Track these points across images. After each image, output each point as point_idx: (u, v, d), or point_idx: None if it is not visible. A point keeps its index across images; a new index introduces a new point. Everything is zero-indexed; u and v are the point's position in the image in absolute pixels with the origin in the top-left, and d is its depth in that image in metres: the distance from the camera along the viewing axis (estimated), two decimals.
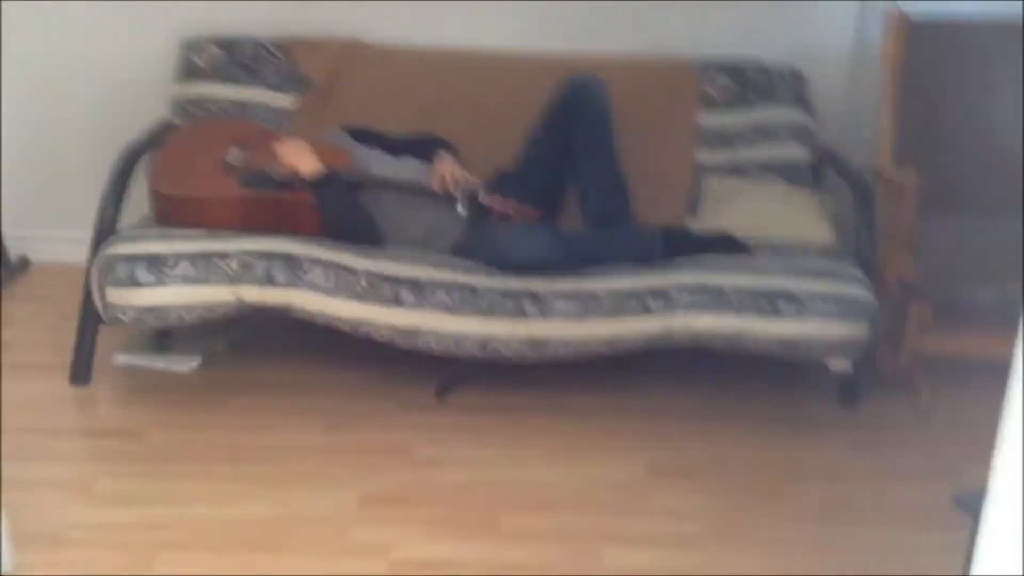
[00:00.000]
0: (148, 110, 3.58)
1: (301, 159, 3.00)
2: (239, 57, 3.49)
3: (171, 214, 3.01)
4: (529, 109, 3.37)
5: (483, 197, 3.07)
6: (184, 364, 3.10)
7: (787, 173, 3.45)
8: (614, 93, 3.23)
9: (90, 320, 2.92)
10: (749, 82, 3.55)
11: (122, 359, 3.10)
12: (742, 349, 2.83)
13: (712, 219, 3.25)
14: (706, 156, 3.51)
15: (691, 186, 3.47)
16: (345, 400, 2.97)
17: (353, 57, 3.54)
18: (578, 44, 3.65)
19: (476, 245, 3.03)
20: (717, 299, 2.79)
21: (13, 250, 3.79)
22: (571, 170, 3.18)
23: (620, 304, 2.79)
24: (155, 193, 3.03)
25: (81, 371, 2.98)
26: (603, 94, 3.12)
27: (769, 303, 2.77)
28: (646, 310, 2.79)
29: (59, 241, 3.77)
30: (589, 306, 2.79)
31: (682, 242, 3.04)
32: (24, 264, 3.82)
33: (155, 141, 3.23)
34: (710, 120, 3.53)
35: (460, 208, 3.09)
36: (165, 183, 3.03)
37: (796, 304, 2.77)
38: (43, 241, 3.84)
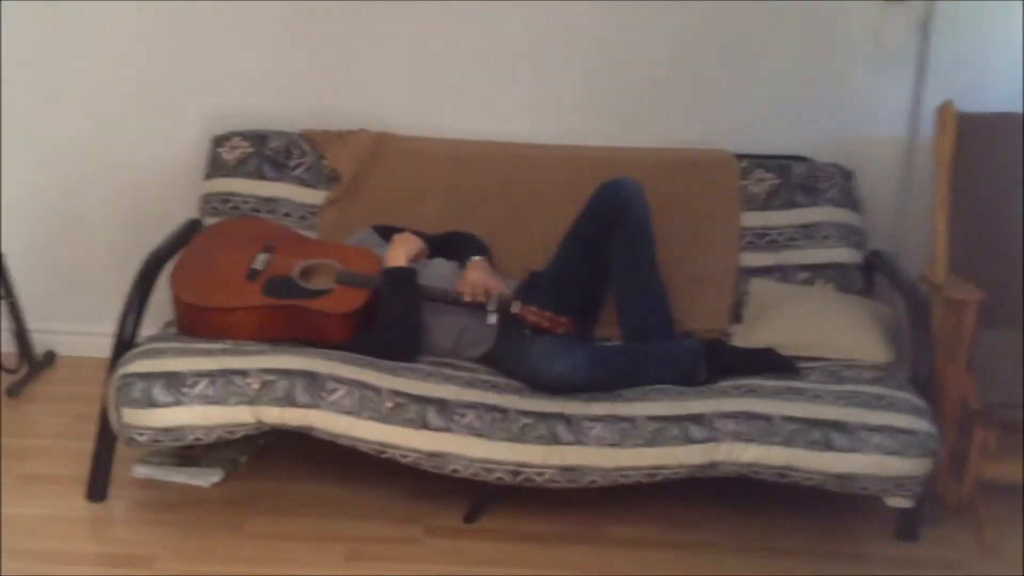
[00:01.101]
0: (176, 205, 3.52)
1: (396, 250, 2.96)
2: (268, 152, 3.39)
3: (194, 323, 2.91)
4: (562, 205, 3.26)
5: (516, 307, 2.94)
6: (205, 479, 2.97)
7: (836, 277, 3.30)
8: (651, 189, 3.11)
9: (107, 436, 2.81)
10: (794, 179, 3.40)
11: (141, 471, 2.99)
12: (792, 482, 2.66)
13: (757, 328, 3.09)
14: (749, 258, 3.36)
15: (734, 290, 3.32)
16: (369, 523, 2.82)
17: (382, 149, 3.44)
18: (614, 137, 3.53)
19: (507, 357, 2.90)
20: (764, 429, 2.62)
21: (40, 345, 3.70)
22: (607, 279, 3.04)
23: (660, 431, 2.64)
24: (177, 301, 2.92)
25: (97, 487, 2.86)
26: (641, 201, 2.99)
27: (821, 435, 2.60)
28: (688, 439, 2.63)
29: (85, 335, 3.68)
30: (627, 433, 2.64)
31: (725, 359, 2.89)
32: (50, 358, 3.73)
33: (179, 245, 3.13)
34: (753, 219, 3.39)
35: (491, 318, 2.95)
36: (188, 291, 2.92)
37: (850, 437, 2.60)
38: (69, 335, 3.76)
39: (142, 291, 2.92)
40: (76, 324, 3.75)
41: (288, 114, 3.52)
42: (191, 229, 3.26)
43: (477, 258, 3.06)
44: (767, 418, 2.64)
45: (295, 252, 3.08)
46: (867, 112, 3.54)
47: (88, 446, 2.86)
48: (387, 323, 2.89)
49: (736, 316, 3.27)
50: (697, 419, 2.65)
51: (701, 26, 3.48)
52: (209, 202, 3.37)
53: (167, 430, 2.67)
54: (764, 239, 3.37)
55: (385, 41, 3.49)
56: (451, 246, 3.19)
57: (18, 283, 3.62)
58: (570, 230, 3.09)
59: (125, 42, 3.51)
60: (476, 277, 2.97)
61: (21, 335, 3.61)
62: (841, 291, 3.27)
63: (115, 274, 3.29)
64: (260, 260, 3.02)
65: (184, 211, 3.45)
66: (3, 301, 3.58)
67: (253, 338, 2.89)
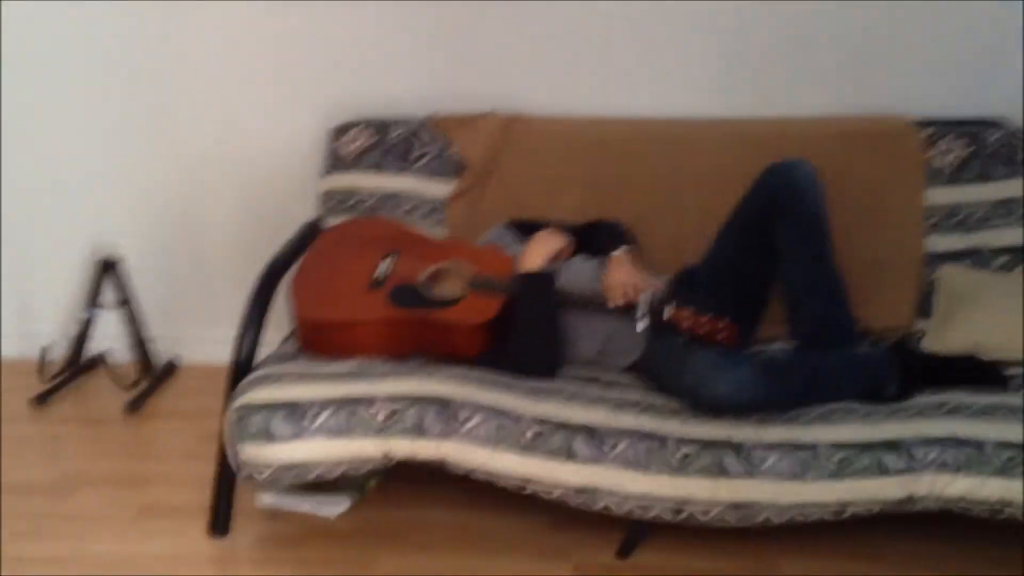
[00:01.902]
0: (296, 202, 3.28)
1: (532, 253, 2.66)
2: (390, 142, 3.10)
3: (315, 338, 2.66)
4: (720, 188, 2.91)
5: (669, 312, 2.58)
6: (332, 507, 2.72)
7: None
8: (820, 165, 2.71)
9: (228, 471, 2.57)
10: (988, 147, 2.94)
11: (266, 500, 2.76)
12: (1010, 518, 2.25)
13: (950, 326, 2.67)
14: (936, 241, 2.92)
15: (919, 280, 2.88)
16: (511, 558, 2.53)
17: (513, 133, 3.10)
18: (766, 107, 3.12)
19: (662, 372, 2.55)
20: (974, 457, 2.22)
21: (161, 353, 3.52)
22: (774, 274, 2.66)
23: (847, 461, 2.26)
24: (297, 315, 2.66)
25: (220, 520, 2.64)
26: (815, 185, 2.59)
27: None
28: (882, 470, 2.25)
29: (207, 341, 3.48)
30: (807, 463, 2.27)
31: (918, 369, 2.48)
32: (171, 369, 3.54)
33: (297, 252, 2.87)
34: (940, 196, 2.94)
35: (640, 324, 2.60)
36: (307, 304, 2.66)
37: None
38: (191, 342, 3.56)
39: (260, 307, 2.67)
40: (197, 329, 3.56)
41: (410, 99, 3.22)
42: (309, 233, 2.99)
43: (619, 252, 2.71)
44: (978, 444, 2.23)
45: (421, 255, 2.79)
46: None
47: (212, 469, 2.64)
48: (523, 338, 2.58)
49: (922, 310, 2.85)
50: (892, 446, 2.26)
51: None
52: (329, 201, 3.10)
53: (288, 467, 2.42)
54: (953, 219, 2.92)
55: (511, 13, 3.14)
56: (593, 238, 2.85)
57: (137, 288, 3.44)
58: (731, 219, 2.72)
59: (239, 30, 3.25)
60: (621, 276, 2.63)
61: (141, 344, 3.43)
62: None
63: (236, 275, 3.12)
64: (383, 266, 2.74)
65: (304, 208, 3.20)
66: (122, 308, 3.40)
67: (379, 354, 2.63)
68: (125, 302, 3.40)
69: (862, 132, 3.00)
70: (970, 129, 2.96)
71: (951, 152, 2.94)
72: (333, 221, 3.07)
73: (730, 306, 2.64)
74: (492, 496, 2.54)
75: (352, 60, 3.23)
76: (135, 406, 3.27)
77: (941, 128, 2.98)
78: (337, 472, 2.44)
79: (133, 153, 3.40)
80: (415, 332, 2.64)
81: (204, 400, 3.25)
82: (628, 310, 2.61)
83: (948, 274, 2.85)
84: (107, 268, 3.37)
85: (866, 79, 3.13)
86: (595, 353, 2.72)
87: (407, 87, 3.23)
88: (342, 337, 2.64)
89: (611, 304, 2.60)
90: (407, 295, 2.66)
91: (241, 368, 2.59)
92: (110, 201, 3.45)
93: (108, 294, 3.41)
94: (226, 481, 2.61)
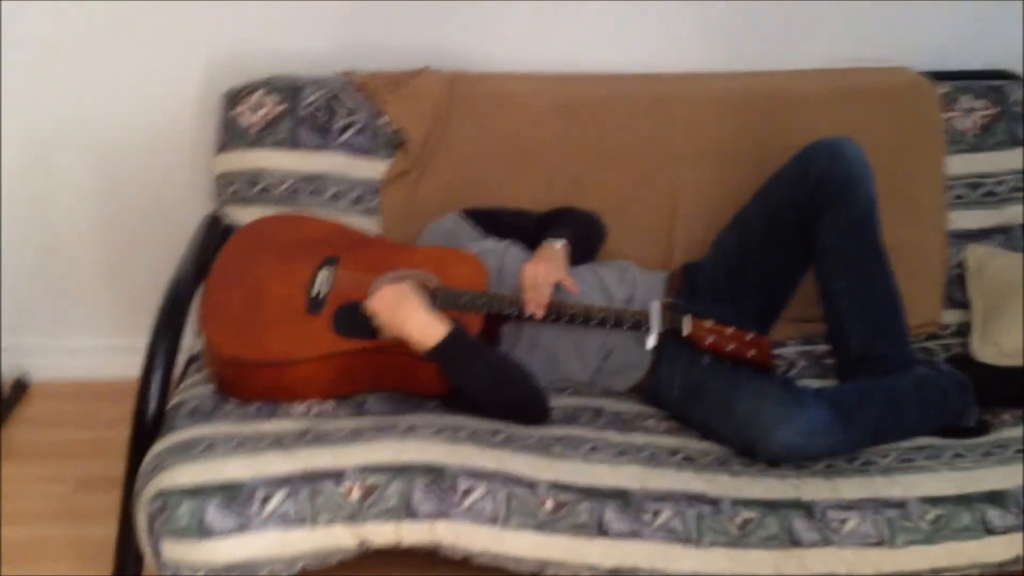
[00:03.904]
0: (174, 186, 2.61)
1: (403, 320, 1.99)
2: (303, 110, 2.45)
3: (242, 382, 2.06)
4: (711, 157, 2.49)
5: (688, 327, 2.09)
6: None
7: None
8: (826, 126, 2.34)
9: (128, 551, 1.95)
10: (1013, 106, 2.53)
11: None
12: None
13: (999, 326, 2.27)
14: (960, 218, 2.51)
15: (945, 266, 2.48)
16: None
17: (458, 96, 2.50)
18: (755, 60, 2.63)
19: (699, 413, 2.07)
20: None
21: (7, 369, 2.80)
22: (802, 271, 2.20)
23: (945, 520, 1.84)
24: (217, 355, 2.04)
25: None
26: (868, 172, 2.12)
27: None
28: (987, 528, 1.84)
29: (60, 352, 2.80)
30: (895, 524, 1.84)
31: (986, 387, 2.08)
32: (21, 387, 2.83)
33: (203, 260, 2.22)
34: (962, 164, 2.53)
35: (650, 341, 2.11)
36: (225, 339, 2.04)
37: None
38: (43, 354, 2.85)
39: (168, 341, 2.03)
40: (52, 339, 2.85)
41: (319, 52, 2.58)
42: (211, 234, 2.34)
43: (549, 243, 2.19)
44: None
45: (366, 262, 2.20)
46: None
47: (102, 530, 2.01)
48: (490, 404, 2.04)
49: (949, 301, 2.46)
50: (996, 498, 1.85)
51: None
52: (226, 186, 2.45)
53: (232, 566, 1.82)
54: (979, 190, 2.52)
55: None
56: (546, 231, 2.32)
57: None
58: (755, 208, 2.24)
59: None
60: (533, 274, 2.10)
61: None
62: None
63: (97, 275, 2.68)
64: (320, 280, 2.14)
65: (189, 195, 2.57)
66: None
67: (323, 396, 2.06)
68: None
69: (872, 88, 2.55)
70: (992, 86, 2.56)
71: (973, 112, 2.53)
72: (235, 213, 2.42)
73: (749, 314, 2.18)
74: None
75: (247, 2, 2.54)
76: None
77: (958, 85, 2.56)
78: (296, 568, 1.85)
79: None
80: (370, 368, 2.07)
81: (73, 432, 2.60)
82: (637, 324, 2.11)
83: (978, 256, 2.46)
84: None
85: (858, 27, 2.67)
86: (589, 375, 2.22)
87: (317, 38, 2.58)
88: (275, 378, 2.04)
89: (529, 314, 2.08)
90: (356, 319, 2.07)
91: (146, 428, 1.96)
92: None
93: None
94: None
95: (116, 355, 2.50)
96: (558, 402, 2.12)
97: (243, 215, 2.41)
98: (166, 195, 2.63)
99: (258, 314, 2.07)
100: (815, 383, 2.25)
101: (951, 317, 2.44)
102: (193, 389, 2.10)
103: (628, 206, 2.47)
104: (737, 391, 1.97)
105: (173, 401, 2.06)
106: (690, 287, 2.27)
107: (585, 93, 2.53)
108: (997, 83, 2.56)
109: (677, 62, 2.61)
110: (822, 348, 2.36)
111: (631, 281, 2.28)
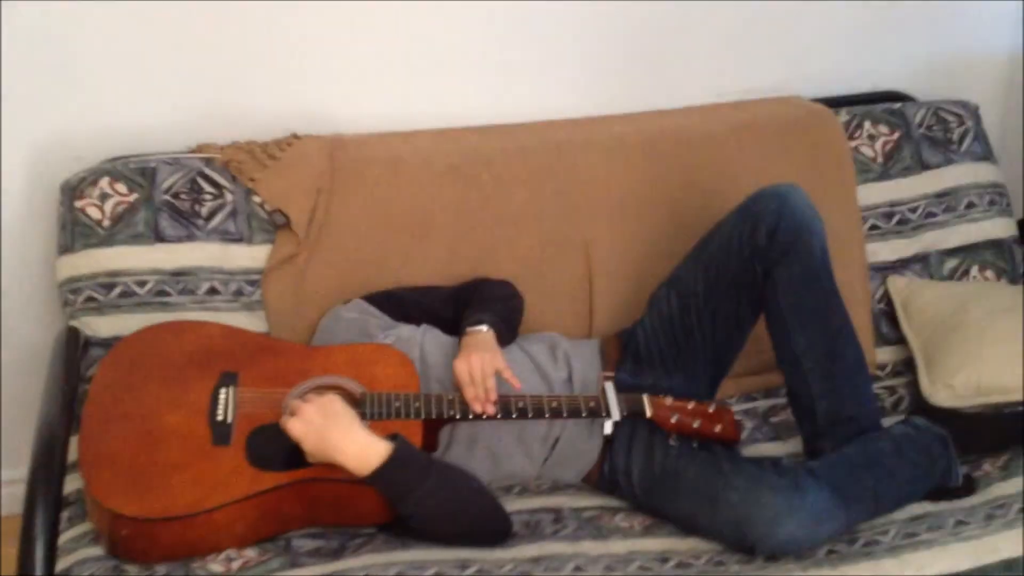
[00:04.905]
0: (13, 302, 2.18)
1: (335, 445, 1.69)
2: (162, 197, 2.09)
3: (136, 541, 1.69)
4: (618, 207, 2.28)
5: (651, 407, 1.89)
6: None
7: (992, 260, 2.44)
8: (728, 167, 2.28)
9: None
10: (916, 130, 2.47)
11: None
12: None
13: (947, 366, 2.17)
14: (877, 249, 2.41)
15: (869, 300, 2.37)
16: None
17: (340, 166, 2.20)
18: (647, 96, 2.45)
19: (653, 493, 1.87)
20: None
21: None
22: (749, 328, 2.03)
23: None
24: (110, 516, 1.67)
25: None
26: (816, 217, 1.96)
27: None
28: None
29: None
30: None
31: (965, 436, 1.96)
32: None
33: (71, 387, 1.84)
34: (873, 194, 2.44)
35: (608, 426, 1.90)
36: (119, 495, 1.67)
37: None
38: None
39: (47, 504, 1.64)
40: None
41: (164, 126, 2.21)
42: (72, 350, 1.95)
43: (475, 328, 1.94)
44: None
45: (271, 373, 1.87)
46: (965, 26, 2.63)
47: None
48: (441, 516, 1.76)
49: (880, 338, 2.35)
50: (1013, 566, 1.72)
51: None
52: (77, 293, 2.05)
53: None
54: (892, 219, 2.43)
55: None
56: (461, 309, 2.07)
57: None
58: (692, 266, 2.04)
59: None
60: (467, 369, 1.85)
61: None
62: (1006, 280, 2.41)
63: None
64: (223, 401, 1.80)
65: (31, 312, 2.14)
66: None
67: (243, 543, 1.73)
68: None
69: (774, 120, 2.43)
70: (892, 111, 2.48)
71: (878, 139, 2.45)
72: (93, 324, 2.03)
73: (700, 381, 2.01)
74: None
75: (76, 70, 2.14)
76: None
77: (856, 111, 2.47)
78: None
79: None
80: (299, 503, 1.75)
81: None
82: (593, 411, 1.88)
83: (900, 290, 2.37)
84: None
85: (740, 58, 2.54)
86: (535, 468, 1.97)
87: (159, 109, 2.21)
88: (182, 532, 1.69)
89: (475, 412, 1.84)
90: (273, 446, 1.75)
91: None
92: None
93: None
94: None
95: None
96: (510, 506, 1.87)
97: (102, 326, 2.03)
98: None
99: (154, 457, 1.71)
100: (769, 447, 2.09)
101: (885, 355, 2.33)
102: (79, 551, 1.71)
103: (541, 270, 2.24)
104: (723, 479, 1.76)
105: (61, 567, 1.67)
106: (632, 358, 2.06)
107: (478, 148, 2.28)
108: (895, 106, 2.48)
109: (567, 106, 2.40)
110: (764, 404, 2.22)
111: (563, 357, 2.05)
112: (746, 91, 2.51)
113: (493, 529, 1.77)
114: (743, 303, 1.98)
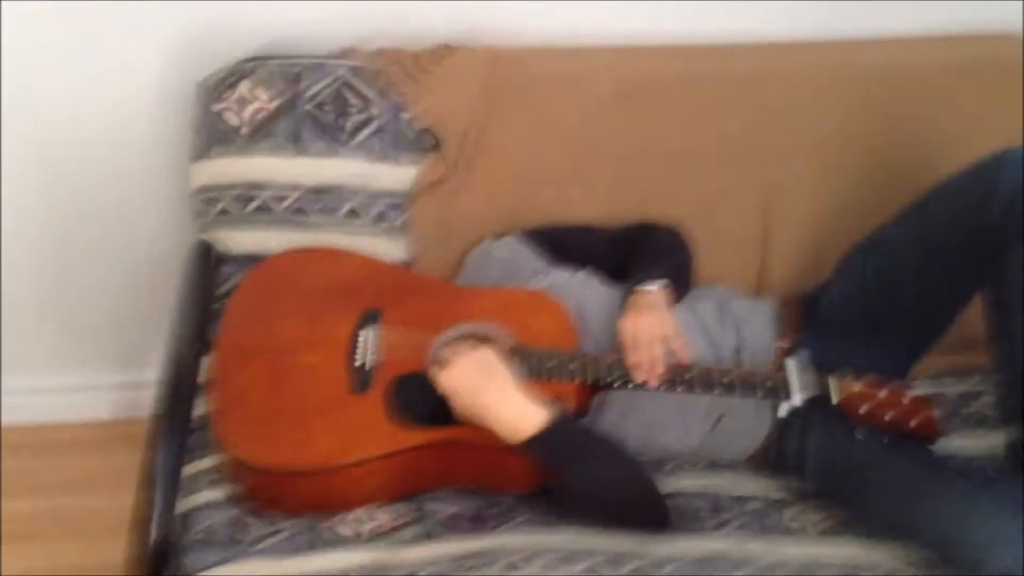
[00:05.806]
0: (133, 200, 2.04)
1: (491, 405, 1.51)
2: (305, 103, 1.90)
3: (267, 492, 1.55)
4: (803, 152, 2.01)
5: (838, 392, 1.66)
6: None
7: None
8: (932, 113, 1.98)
9: None
10: None
11: None
12: None
13: None
14: None
15: None
16: None
17: (500, 81, 1.97)
18: (843, 26, 2.14)
19: (836, 483, 1.66)
20: None
21: None
22: (962, 306, 1.77)
23: None
24: (237, 463, 1.53)
25: None
26: None
27: None
28: None
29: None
30: None
31: None
32: None
33: (202, 309, 1.69)
34: None
35: (783, 409, 1.68)
36: (250, 443, 1.53)
37: None
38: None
39: (173, 444, 1.52)
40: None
41: (315, 29, 2.00)
42: (205, 267, 1.80)
43: (644, 287, 1.73)
44: None
45: (417, 314, 1.70)
46: None
47: None
48: (596, 495, 1.58)
49: None
50: None
51: None
52: (210, 202, 1.90)
53: None
54: None
55: None
56: (624, 258, 1.85)
57: None
58: (904, 229, 1.77)
59: None
60: (642, 335, 1.64)
61: None
62: None
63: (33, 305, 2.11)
64: (363, 344, 1.63)
65: (152, 212, 2.01)
66: None
67: (376, 500, 1.57)
68: None
69: (990, 63, 2.10)
70: None
71: None
72: (227, 239, 1.88)
73: (894, 360, 1.77)
74: None
75: None
76: None
77: None
78: None
79: None
80: (440, 463, 1.58)
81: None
82: (773, 392, 1.66)
83: None
84: None
85: None
86: (695, 443, 1.77)
87: (309, 10, 2.01)
88: (319, 487, 1.54)
89: (637, 382, 1.63)
90: (417, 398, 1.58)
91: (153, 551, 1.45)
92: None
93: None
94: None
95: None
96: (662, 487, 1.67)
97: (237, 241, 1.87)
98: (118, 212, 2.06)
99: (290, 400, 1.56)
100: (961, 444, 1.85)
101: None
102: (198, 493, 1.58)
103: (713, 215, 2.00)
104: (924, 488, 1.54)
105: (179, 509, 1.55)
106: (815, 328, 1.83)
107: (654, 73, 2.02)
108: None
109: (757, 31, 2.12)
110: (955, 390, 1.96)
111: (733, 320, 1.83)
112: (956, 23, 2.19)
113: (651, 514, 1.59)
114: (962, 280, 1.72)
